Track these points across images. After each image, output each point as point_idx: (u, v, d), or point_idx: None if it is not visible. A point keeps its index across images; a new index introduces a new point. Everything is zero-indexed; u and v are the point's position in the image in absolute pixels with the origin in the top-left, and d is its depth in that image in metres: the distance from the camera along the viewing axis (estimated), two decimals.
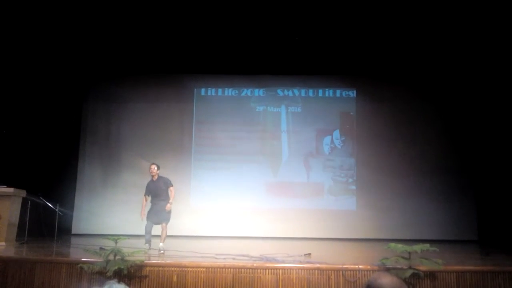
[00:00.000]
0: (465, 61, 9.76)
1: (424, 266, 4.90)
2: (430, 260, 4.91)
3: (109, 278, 4.86)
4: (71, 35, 8.89)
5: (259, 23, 8.52)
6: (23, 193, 7.65)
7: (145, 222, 6.98)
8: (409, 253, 4.91)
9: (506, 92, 9.36)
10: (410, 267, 4.84)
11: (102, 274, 5.00)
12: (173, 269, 5.16)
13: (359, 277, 5.01)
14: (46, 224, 8.54)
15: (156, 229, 6.96)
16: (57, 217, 8.45)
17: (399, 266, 4.90)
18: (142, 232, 9.28)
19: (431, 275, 4.96)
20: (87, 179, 10.46)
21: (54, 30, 8.59)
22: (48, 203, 8.40)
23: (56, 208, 8.46)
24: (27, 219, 7.78)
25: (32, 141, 9.51)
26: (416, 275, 4.83)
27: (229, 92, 10.91)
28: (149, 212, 7.00)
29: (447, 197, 10.14)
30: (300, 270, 5.10)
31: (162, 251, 6.42)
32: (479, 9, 7.70)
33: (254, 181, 10.38)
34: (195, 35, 9.00)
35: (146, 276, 5.14)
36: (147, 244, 6.73)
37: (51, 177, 9.65)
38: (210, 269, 5.14)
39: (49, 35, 8.74)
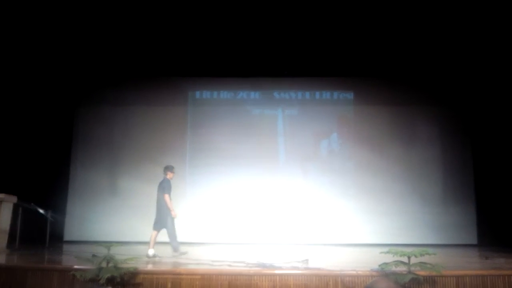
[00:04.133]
0: (464, 62, 9.76)
1: (423, 271, 4.86)
2: (429, 265, 4.87)
3: (102, 285, 4.80)
4: (63, 39, 8.84)
5: (255, 25, 8.51)
6: (14, 199, 7.54)
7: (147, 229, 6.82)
8: (408, 257, 4.87)
9: (505, 95, 9.38)
10: (409, 272, 4.80)
11: (95, 282, 4.89)
12: (167, 276, 5.08)
13: (358, 283, 4.95)
14: (38, 230, 8.45)
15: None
16: (49, 223, 8.38)
17: (398, 271, 4.86)
18: (135, 239, 9.19)
19: (431, 279, 4.92)
20: (80, 184, 10.32)
21: (46, 34, 8.55)
22: (39, 210, 8.30)
23: (47, 215, 8.38)
24: (18, 225, 7.72)
25: (24, 146, 9.41)
26: (415, 280, 4.79)
27: (225, 95, 10.82)
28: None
29: (446, 201, 10.13)
30: (297, 277, 5.03)
31: (157, 257, 6.29)
32: (476, 11, 7.69)
33: (250, 185, 10.26)
34: (189, 37, 8.96)
35: (139, 284, 5.05)
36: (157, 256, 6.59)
37: (42, 183, 9.53)
38: (205, 276, 5.05)
39: (41, 39, 8.68)
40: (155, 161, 10.30)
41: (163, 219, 6.73)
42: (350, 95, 10.72)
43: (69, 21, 8.22)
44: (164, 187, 6.79)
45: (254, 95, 10.80)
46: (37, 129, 9.73)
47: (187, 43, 9.17)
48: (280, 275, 5.05)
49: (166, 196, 6.71)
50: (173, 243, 6.74)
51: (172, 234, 6.73)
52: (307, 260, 5.91)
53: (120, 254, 5.40)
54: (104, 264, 4.98)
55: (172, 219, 6.76)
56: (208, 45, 9.26)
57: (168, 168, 6.98)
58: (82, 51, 9.44)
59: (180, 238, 9.68)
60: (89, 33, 8.72)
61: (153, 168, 10.26)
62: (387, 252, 4.97)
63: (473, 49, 9.10)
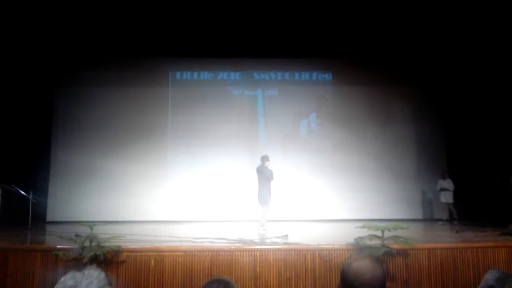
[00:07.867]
0: (443, 43, 9.85)
1: (396, 244, 5.02)
2: (402, 238, 5.03)
3: (86, 264, 4.79)
4: (40, 19, 8.57)
5: (235, 5, 8.40)
6: None
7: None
8: (382, 232, 5.03)
9: (477, 77, 9.56)
10: (383, 245, 4.96)
11: (78, 261, 4.91)
12: (150, 253, 5.12)
13: (334, 256, 5.11)
14: (20, 212, 8.32)
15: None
16: (30, 205, 8.25)
17: (372, 245, 5.02)
18: (117, 218, 9.23)
19: (403, 252, 5.10)
20: (61, 165, 10.22)
21: (22, 14, 8.27)
22: (21, 191, 8.15)
23: (29, 196, 8.23)
24: None
25: (3, 128, 9.21)
26: (389, 253, 4.96)
27: (205, 75, 10.80)
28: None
29: (419, 178, 10.47)
30: (277, 251, 5.15)
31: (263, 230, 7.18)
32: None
33: (231, 165, 10.37)
34: (169, 17, 8.81)
35: (123, 262, 5.09)
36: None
37: (23, 164, 9.42)
38: (187, 253, 5.12)
39: (18, 19, 8.41)
40: (136, 141, 10.30)
41: (264, 199, 7.73)
42: (328, 76, 10.85)
43: (48, 2, 7.97)
44: (268, 174, 7.80)
45: (234, 75, 10.81)
46: (16, 110, 9.52)
47: (168, 23, 9.02)
48: (260, 250, 5.16)
49: (272, 182, 7.77)
50: (262, 220, 7.69)
51: (265, 212, 7.76)
52: (286, 235, 6.08)
53: (103, 233, 5.42)
54: (87, 243, 4.98)
55: (271, 200, 7.80)
56: (188, 25, 9.14)
57: (265, 158, 8.01)
58: (60, 31, 9.19)
59: (162, 217, 9.83)
60: (68, 12, 8.47)
61: (134, 148, 10.29)
62: (362, 227, 5.14)
63: (452, 32, 9.18)
